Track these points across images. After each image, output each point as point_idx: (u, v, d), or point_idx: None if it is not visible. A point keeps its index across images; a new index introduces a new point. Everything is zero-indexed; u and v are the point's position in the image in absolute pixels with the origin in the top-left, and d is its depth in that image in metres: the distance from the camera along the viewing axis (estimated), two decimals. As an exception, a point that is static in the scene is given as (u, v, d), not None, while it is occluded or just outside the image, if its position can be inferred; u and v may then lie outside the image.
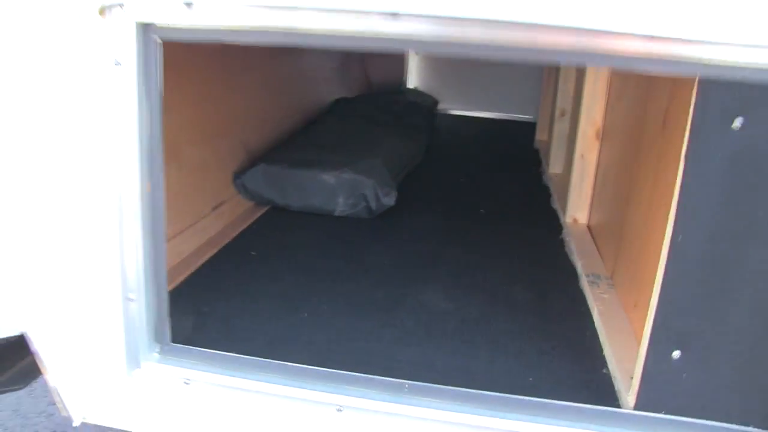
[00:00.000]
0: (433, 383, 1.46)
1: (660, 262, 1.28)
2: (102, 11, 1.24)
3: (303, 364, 1.51)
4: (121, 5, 1.22)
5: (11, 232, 1.43)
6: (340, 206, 2.62)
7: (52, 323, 1.51)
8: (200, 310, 1.83)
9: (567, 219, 2.59)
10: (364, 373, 1.49)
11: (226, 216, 2.53)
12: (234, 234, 2.43)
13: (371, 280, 2.10)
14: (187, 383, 1.49)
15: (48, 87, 1.31)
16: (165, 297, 1.51)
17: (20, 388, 1.80)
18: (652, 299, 1.31)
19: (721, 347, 1.26)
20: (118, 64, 1.27)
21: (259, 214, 2.65)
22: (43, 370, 1.61)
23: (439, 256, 2.33)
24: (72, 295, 1.48)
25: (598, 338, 1.75)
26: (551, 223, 2.67)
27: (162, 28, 1.27)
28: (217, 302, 1.90)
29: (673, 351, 1.28)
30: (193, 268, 2.11)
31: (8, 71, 1.30)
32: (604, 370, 1.61)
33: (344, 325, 1.81)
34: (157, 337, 1.52)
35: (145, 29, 1.26)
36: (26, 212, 1.41)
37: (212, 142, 2.57)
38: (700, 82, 1.15)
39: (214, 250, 2.26)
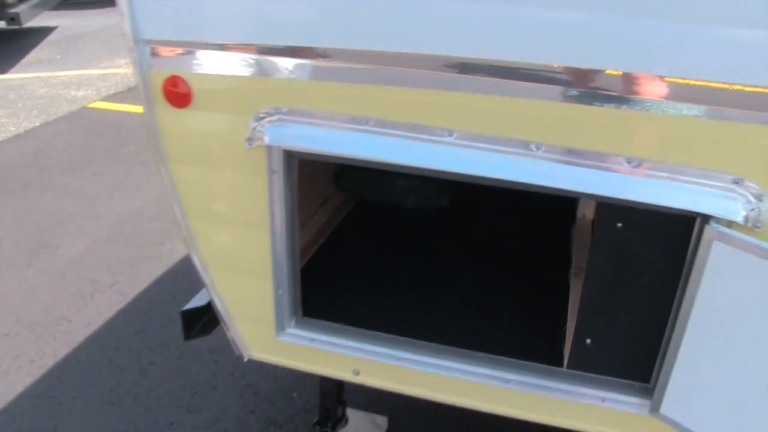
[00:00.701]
0: (444, 344, 2.45)
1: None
2: (266, 146, 2.22)
3: (381, 330, 2.54)
4: (279, 145, 2.19)
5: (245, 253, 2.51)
6: (411, 202, 3.57)
7: (235, 300, 2.60)
8: (318, 290, 2.88)
9: (578, 214, 3.44)
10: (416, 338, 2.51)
11: (329, 209, 3.56)
12: (334, 225, 3.47)
13: (428, 265, 3.10)
14: (312, 341, 2.56)
15: (241, 181, 2.33)
16: (299, 287, 2.55)
17: (208, 335, 2.95)
18: (579, 305, 2.24)
19: (614, 340, 2.18)
20: (273, 171, 2.26)
21: (351, 206, 3.68)
22: (225, 328, 2.71)
23: (474, 243, 3.32)
24: (247, 286, 2.55)
25: (566, 319, 2.68)
26: (569, 217, 3.52)
27: (298, 152, 2.24)
28: (327, 284, 2.96)
29: (587, 338, 2.22)
30: (309, 256, 3.17)
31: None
32: (562, 341, 2.55)
33: (406, 301, 2.84)
34: (294, 312, 2.58)
35: (289, 153, 2.23)
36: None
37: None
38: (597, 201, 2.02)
39: (321, 240, 3.32)
